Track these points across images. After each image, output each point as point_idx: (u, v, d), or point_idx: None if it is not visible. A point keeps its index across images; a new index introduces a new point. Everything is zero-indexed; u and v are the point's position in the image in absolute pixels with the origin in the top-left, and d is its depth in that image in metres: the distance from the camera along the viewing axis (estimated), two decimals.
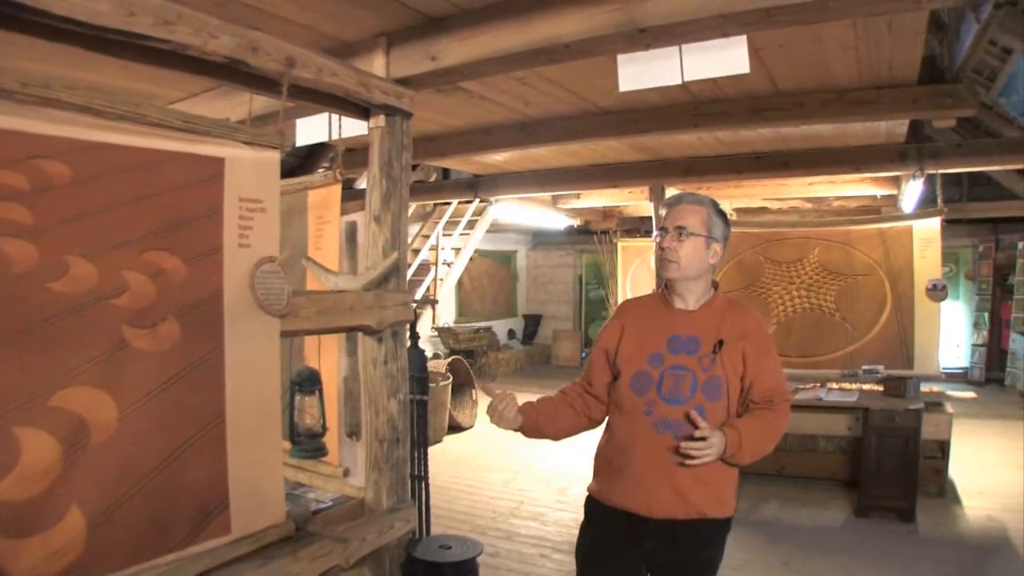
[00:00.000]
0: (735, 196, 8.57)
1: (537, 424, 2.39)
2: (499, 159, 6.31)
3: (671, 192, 6.92)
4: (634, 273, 9.31)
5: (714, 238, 2.35)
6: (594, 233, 11.12)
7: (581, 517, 2.47)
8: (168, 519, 1.97)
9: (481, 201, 8.43)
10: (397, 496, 2.69)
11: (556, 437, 2.49)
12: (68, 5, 1.74)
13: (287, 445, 2.61)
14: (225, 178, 2.11)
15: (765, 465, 6.18)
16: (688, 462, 2.15)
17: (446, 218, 9.26)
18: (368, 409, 2.65)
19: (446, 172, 8.37)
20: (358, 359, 2.69)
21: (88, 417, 1.80)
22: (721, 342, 2.29)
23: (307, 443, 2.54)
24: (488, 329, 11.97)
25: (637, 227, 9.73)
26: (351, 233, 2.79)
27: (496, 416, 2.31)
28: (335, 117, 3.20)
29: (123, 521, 1.86)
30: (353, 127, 2.97)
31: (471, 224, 8.69)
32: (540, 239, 14.70)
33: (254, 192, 2.18)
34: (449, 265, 9.48)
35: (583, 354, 13.99)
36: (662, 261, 2.36)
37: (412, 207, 9.98)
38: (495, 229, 10.77)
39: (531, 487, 6.14)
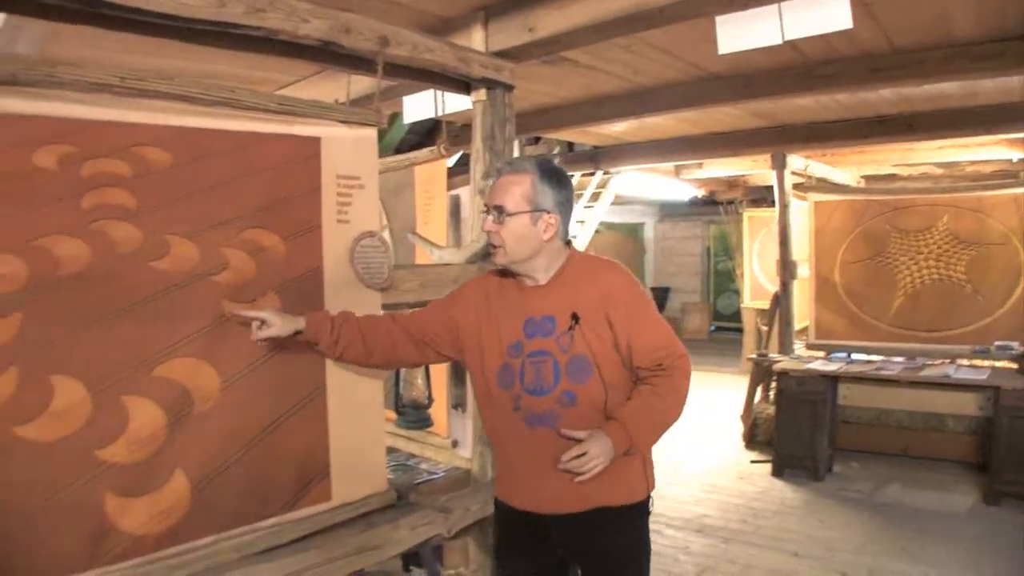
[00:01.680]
0: (863, 163, 7.86)
1: (327, 326, 1.97)
2: (618, 130, 6.05)
3: (794, 161, 6.53)
4: (761, 243, 8.85)
5: (543, 209, 1.94)
6: (720, 203, 10.53)
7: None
8: (269, 485, 1.98)
9: (605, 173, 8.22)
10: (492, 467, 2.64)
11: (357, 361, 2.07)
12: (161, 1, 1.75)
13: (392, 416, 2.61)
14: (322, 157, 2.09)
15: (887, 444, 5.74)
16: (578, 479, 1.85)
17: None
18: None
19: (571, 145, 8.24)
20: None
21: (191, 387, 1.82)
22: (576, 316, 1.93)
23: (412, 414, 2.52)
24: None
25: (764, 196, 9.28)
26: (455, 207, 2.75)
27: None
28: (440, 93, 3.16)
29: (225, 486, 1.88)
30: (461, 103, 2.92)
31: (595, 197, 8.49)
32: (667, 211, 14.02)
33: (352, 169, 2.15)
34: (574, 238, 9.24)
35: (712, 327, 13.51)
36: (490, 247, 2.02)
37: None
38: (621, 201, 10.37)
39: None
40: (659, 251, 14.52)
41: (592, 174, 8.01)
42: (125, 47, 2.78)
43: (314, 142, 2.07)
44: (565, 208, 2.02)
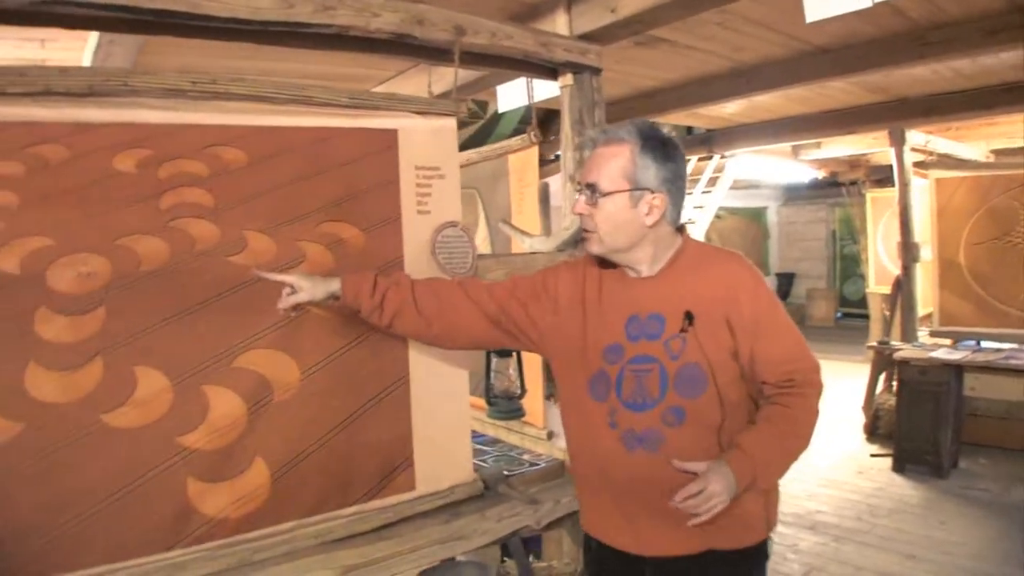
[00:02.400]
0: (992, 136, 6.98)
1: (367, 288, 1.75)
2: (730, 111, 5.76)
3: (913, 137, 5.84)
4: (885, 225, 8.09)
5: (645, 188, 1.59)
6: (842, 185, 9.83)
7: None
8: (351, 473, 1.98)
9: (722, 157, 7.84)
10: None
11: (394, 319, 1.80)
12: (230, 7, 1.78)
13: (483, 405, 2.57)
14: (399, 148, 2.07)
15: (1018, 439, 5.18)
16: (692, 522, 1.52)
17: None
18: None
19: (689, 129, 7.98)
20: None
21: (270, 377, 1.85)
22: (690, 315, 1.59)
23: (503, 404, 2.47)
24: None
25: (887, 176, 8.54)
26: (544, 195, 2.68)
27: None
28: (530, 80, 3.09)
29: (306, 474, 1.90)
30: (551, 89, 2.83)
31: (712, 181, 8.10)
32: (791, 194, 13.19)
33: (431, 160, 2.12)
34: (691, 224, 8.81)
35: (838, 314, 12.56)
36: (583, 232, 1.70)
37: None
38: (743, 185, 9.87)
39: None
40: (783, 236, 13.76)
41: (708, 158, 7.63)
42: (225, 53, 2.89)
43: (391, 134, 2.04)
44: (674, 187, 1.64)
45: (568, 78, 2.41)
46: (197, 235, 1.76)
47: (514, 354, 2.42)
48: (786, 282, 13.36)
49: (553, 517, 2.32)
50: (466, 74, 2.78)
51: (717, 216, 8.29)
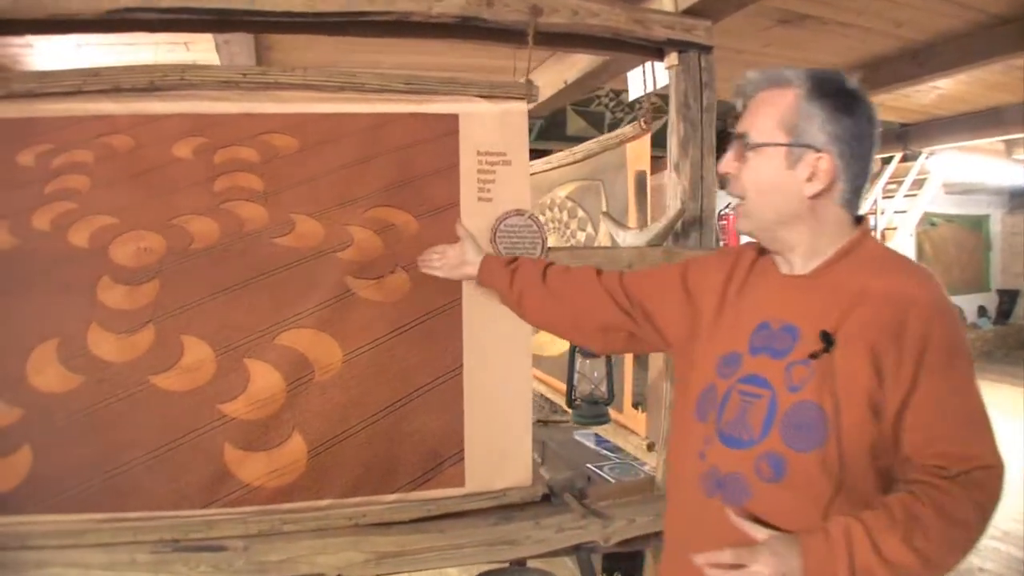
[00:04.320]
0: None
1: (517, 272, 1.63)
2: (923, 103, 4.77)
3: None
4: None
5: (808, 144, 1.17)
6: None
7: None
8: (394, 460, 1.89)
9: (927, 155, 6.62)
10: None
11: (536, 311, 1.69)
12: (285, 1, 1.81)
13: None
14: (460, 133, 1.94)
15: None
16: None
17: (885, 178, 7.33)
18: (661, 379, 2.22)
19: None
20: None
21: (311, 356, 1.82)
22: (829, 338, 1.13)
23: (586, 409, 2.23)
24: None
25: None
26: (640, 184, 2.37)
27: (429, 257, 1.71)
28: (649, 64, 2.76)
29: (344, 454, 1.84)
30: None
31: (917, 184, 6.80)
32: (1017, 200, 10.60)
33: (496, 145, 1.94)
34: (893, 230, 7.64)
35: None
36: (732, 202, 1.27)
37: None
38: (959, 190, 8.40)
39: None
40: (1007, 247, 11.15)
41: (912, 158, 6.47)
42: (350, 48, 2.94)
43: (451, 119, 1.91)
44: (850, 150, 1.20)
45: (673, 58, 2.09)
46: (246, 217, 1.79)
47: (604, 356, 2.18)
48: (1009, 300, 10.79)
49: (626, 536, 2.03)
50: (588, 61, 2.57)
51: (931, 223, 7.02)
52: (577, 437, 2.66)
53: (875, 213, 8.00)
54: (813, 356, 1.15)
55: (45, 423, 1.63)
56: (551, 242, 2.77)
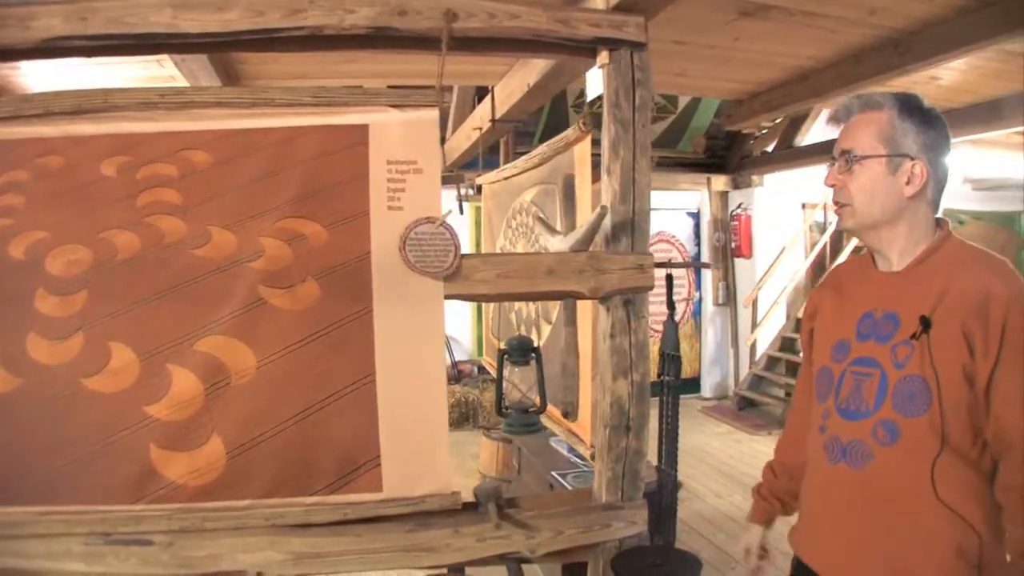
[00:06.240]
0: None
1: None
2: (929, 95, 4.28)
3: None
4: None
5: (904, 154, 1.46)
6: None
7: None
8: (310, 464, 2.01)
9: None
10: (622, 492, 2.09)
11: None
12: (201, 23, 1.89)
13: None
14: (370, 143, 2.00)
15: None
16: None
17: None
18: (595, 389, 2.11)
19: None
20: (576, 330, 2.17)
21: (227, 362, 1.97)
22: (926, 320, 1.38)
23: (516, 418, 2.17)
24: None
25: None
26: (567, 188, 2.26)
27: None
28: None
29: (261, 457, 1.99)
30: None
31: None
32: None
33: (406, 154, 2.02)
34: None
35: None
36: (834, 208, 1.58)
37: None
38: (988, 186, 8.22)
39: None
40: None
41: None
42: (321, 59, 2.99)
43: (361, 129, 2.00)
44: (935, 156, 1.51)
45: (604, 56, 2.03)
46: (166, 230, 1.94)
47: (532, 363, 2.10)
48: None
49: (553, 548, 2.06)
50: (545, 64, 2.48)
51: (959, 221, 6.48)
52: (552, 444, 2.58)
53: None
54: (914, 336, 1.42)
55: None
56: (519, 248, 2.71)
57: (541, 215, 2.37)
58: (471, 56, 2.25)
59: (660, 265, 1.99)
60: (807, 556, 1.61)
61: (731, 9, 2.79)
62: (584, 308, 2.46)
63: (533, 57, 2.46)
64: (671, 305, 2.04)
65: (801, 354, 1.86)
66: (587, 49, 2.19)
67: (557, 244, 2.10)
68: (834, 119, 1.57)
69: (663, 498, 2.12)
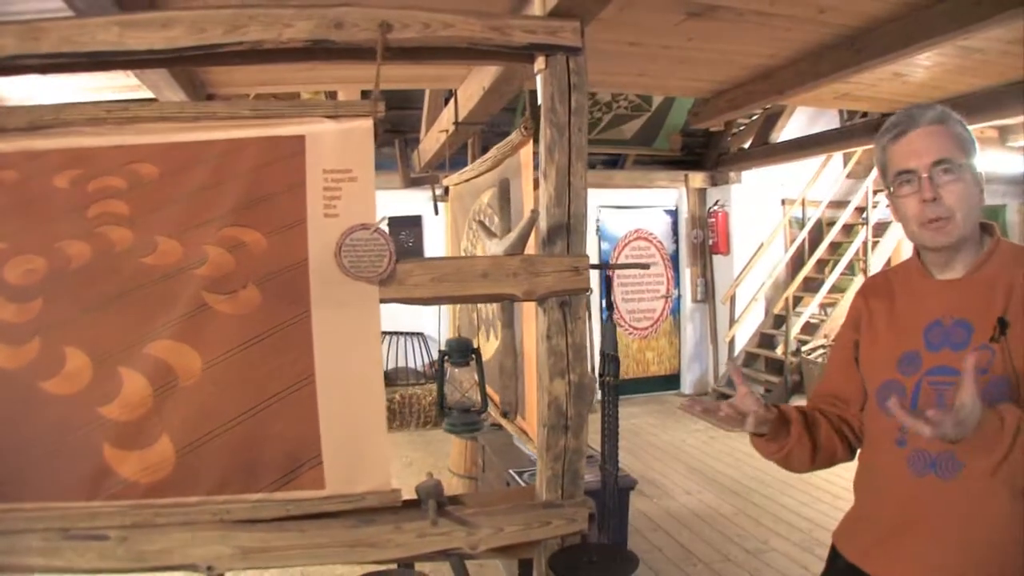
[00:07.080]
0: None
1: (788, 429, 1.62)
2: (898, 91, 4.58)
3: None
4: None
5: (974, 164, 1.51)
6: None
7: None
8: (255, 462, 2.12)
9: None
10: (562, 490, 2.13)
11: (798, 462, 1.68)
12: (148, 40, 1.97)
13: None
14: (307, 153, 2.07)
15: None
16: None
17: (874, 174, 7.42)
18: (535, 389, 2.14)
19: (864, 115, 6.80)
20: (513, 332, 2.19)
21: (174, 365, 2.09)
22: (1004, 322, 1.40)
23: (457, 417, 2.20)
24: None
25: None
26: (503, 191, 2.27)
27: (724, 410, 1.57)
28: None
29: (210, 455, 2.11)
30: None
31: None
32: None
33: (341, 163, 2.11)
34: (887, 224, 8.14)
35: None
36: (925, 225, 1.49)
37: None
38: None
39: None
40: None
41: None
42: (273, 67, 3.06)
43: (298, 140, 2.10)
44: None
45: (541, 62, 2.06)
46: (116, 239, 2.04)
47: (472, 363, 2.13)
48: None
49: (494, 544, 2.12)
50: (496, 68, 2.50)
51: None
52: (515, 443, 2.62)
53: (865, 209, 8.25)
54: (993, 339, 1.41)
55: None
56: (478, 250, 2.74)
57: (483, 219, 2.41)
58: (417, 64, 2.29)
59: (596, 267, 2.01)
60: (879, 569, 1.51)
61: (679, 10, 2.88)
62: (529, 310, 2.49)
63: (473, 64, 2.49)
64: (610, 305, 2.04)
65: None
66: (524, 55, 2.29)
67: (493, 247, 2.14)
68: (892, 132, 1.50)
69: (607, 496, 2.15)
